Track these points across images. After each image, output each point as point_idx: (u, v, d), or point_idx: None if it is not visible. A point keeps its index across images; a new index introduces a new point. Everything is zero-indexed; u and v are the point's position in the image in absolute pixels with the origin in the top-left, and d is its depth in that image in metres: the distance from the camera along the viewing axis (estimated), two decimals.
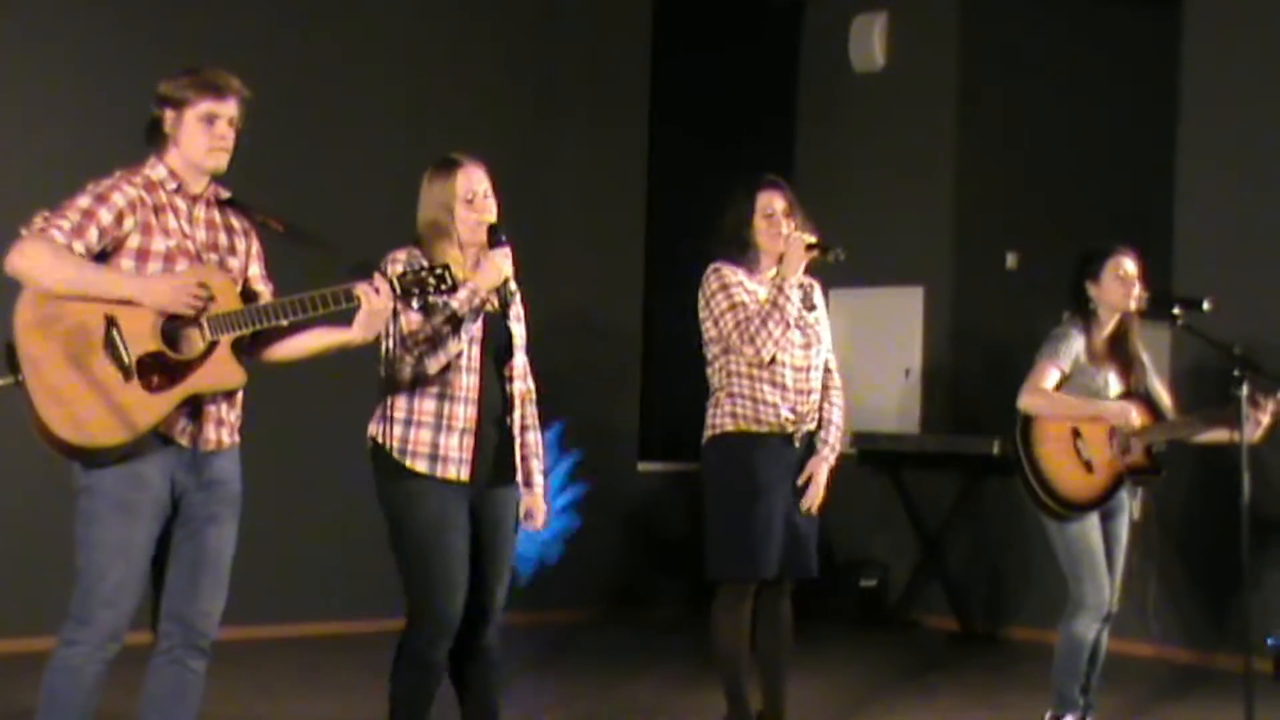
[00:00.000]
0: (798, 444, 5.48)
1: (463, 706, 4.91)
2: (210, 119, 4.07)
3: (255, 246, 4.31)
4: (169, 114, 4.09)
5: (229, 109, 4.10)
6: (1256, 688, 5.54)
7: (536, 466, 4.92)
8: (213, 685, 4.28)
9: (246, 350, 4.15)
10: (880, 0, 9.88)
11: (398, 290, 4.17)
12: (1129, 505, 5.91)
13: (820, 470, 5.51)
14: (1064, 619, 5.84)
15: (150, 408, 3.97)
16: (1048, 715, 5.89)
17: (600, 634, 8.76)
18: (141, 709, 4.20)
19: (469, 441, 4.66)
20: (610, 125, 9.53)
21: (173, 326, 4.01)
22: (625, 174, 9.60)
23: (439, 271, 4.23)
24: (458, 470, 4.65)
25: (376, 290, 4.11)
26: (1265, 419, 5.67)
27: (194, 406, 4.06)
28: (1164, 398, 5.93)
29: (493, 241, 4.68)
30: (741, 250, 5.48)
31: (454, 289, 4.28)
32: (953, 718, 6.76)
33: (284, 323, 4.10)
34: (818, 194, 9.36)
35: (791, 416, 5.44)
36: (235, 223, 4.26)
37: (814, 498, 5.50)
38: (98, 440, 3.93)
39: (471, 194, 4.72)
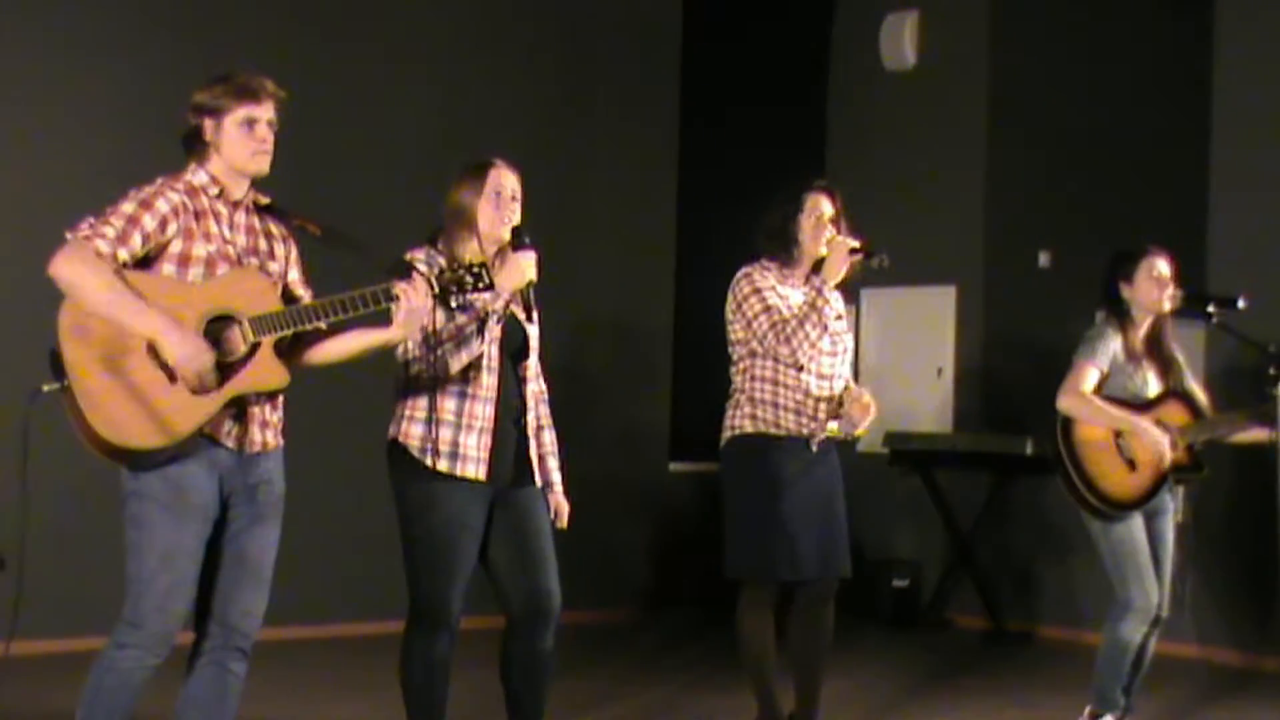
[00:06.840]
0: (815, 448, 5.49)
1: (510, 707, 4.90)
2: (250, 123, 4.10)
3: (294, 252, 4.33)
4: (209, 123, 4.11)
5: (266, 112, 4.13)
6: None
7: (553, 464, 4.94)
8: (246, 685, 4.28)
9: (287, 355, 4.15)
10: None
11: (436, 289, 4.19)
12: (1173, 506, 5.88)
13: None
14: (1110, 620, 5.80)
15: (196, 409, 3.97)
16: (1086, 712, 5.88)
17: (632, 635, 8.76)
18: (179, 708, 4.20)
19: (487, 441, 4.67)
20: (641, 125, 9.53)
21: (215, 328, 4.01)
22: (656, 173, 9.60)
23: (476, 270, 4.25)
24: (476, 469, 4.66)
25: (415, 289, 4.13)
26: None
27: (239, 409, 4.07)
28: (1200, 396, 5.90)
29: (516, 244, 4.68)
30: (784, 247, 5.50)
31: (490, 287, 4.29)
32: (986, 718, 6.74)
33: (324, 324, 4.11)
34: (849, 193, 9.21)
35: (812, 425, 5.45)
36: (274, 228, 4.29)
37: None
38: (145, 443, 3.93)
39: (499, 190, 4.74)
